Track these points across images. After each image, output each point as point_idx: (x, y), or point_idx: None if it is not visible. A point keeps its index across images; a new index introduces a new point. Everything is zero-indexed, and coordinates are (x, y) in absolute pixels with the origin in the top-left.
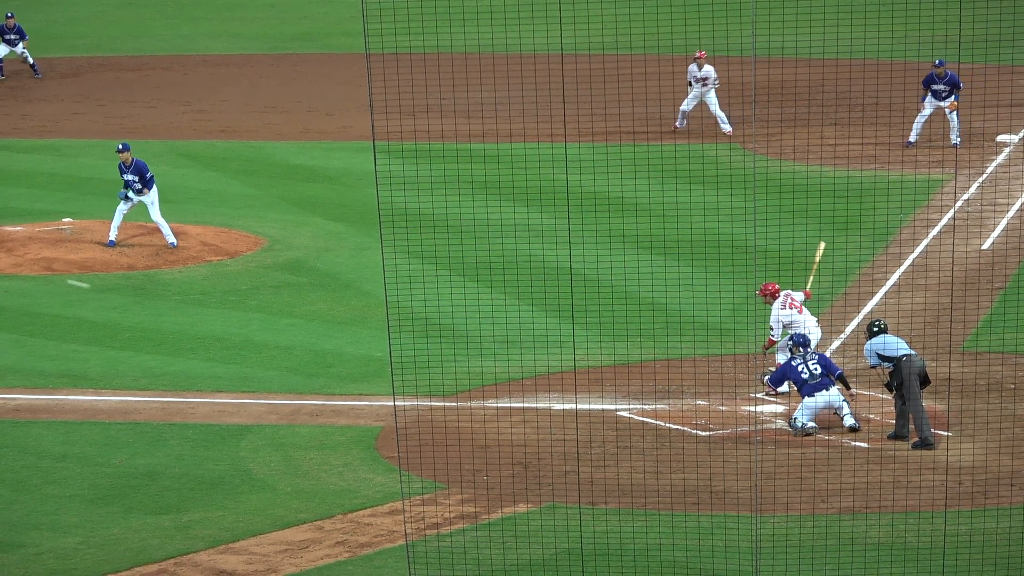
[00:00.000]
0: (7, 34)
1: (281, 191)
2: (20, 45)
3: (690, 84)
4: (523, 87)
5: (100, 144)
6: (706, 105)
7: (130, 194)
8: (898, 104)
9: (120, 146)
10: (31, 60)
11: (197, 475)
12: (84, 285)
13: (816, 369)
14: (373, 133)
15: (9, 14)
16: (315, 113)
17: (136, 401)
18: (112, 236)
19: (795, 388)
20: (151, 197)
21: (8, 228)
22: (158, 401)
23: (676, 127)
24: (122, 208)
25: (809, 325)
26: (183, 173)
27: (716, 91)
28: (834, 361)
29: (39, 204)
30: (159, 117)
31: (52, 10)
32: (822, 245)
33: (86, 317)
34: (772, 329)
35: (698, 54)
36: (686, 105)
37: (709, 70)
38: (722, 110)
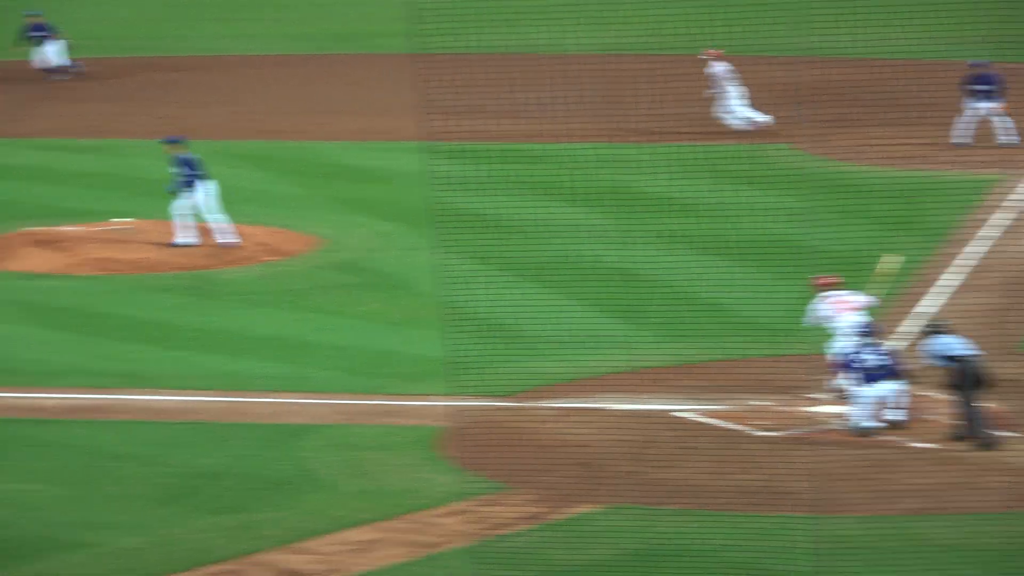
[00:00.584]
0: (35, 32)
1: (333, 192)
2: (52, 43)
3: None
4: (576, 87)
5: (152, 144)
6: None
7: (182, 189)
8: (948, 104)
9: (166, 140)
10: (66, 59)
11: (259, 475)
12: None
13: (878, 360)
14: (424, 134)
15: (33, 12)
16: (366, 114)
17: (196, 401)
18: (189, 238)
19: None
20: (205, 194)
21: (63, 228)
22: (218, 401)
23: (748, 127)
24: (181, 204)
25: (846, 328)
26: (236, 174)
27: (734, 87)
28: (896, 359)
29: (94, 204)
30: (210, 118)
31: (101, 9)
32: (893, 258)
33: (144, 317)
34: (807, 317)
35: (709, 52)
36: (723, 109)
37: (720, 67)
38: (749, 107)
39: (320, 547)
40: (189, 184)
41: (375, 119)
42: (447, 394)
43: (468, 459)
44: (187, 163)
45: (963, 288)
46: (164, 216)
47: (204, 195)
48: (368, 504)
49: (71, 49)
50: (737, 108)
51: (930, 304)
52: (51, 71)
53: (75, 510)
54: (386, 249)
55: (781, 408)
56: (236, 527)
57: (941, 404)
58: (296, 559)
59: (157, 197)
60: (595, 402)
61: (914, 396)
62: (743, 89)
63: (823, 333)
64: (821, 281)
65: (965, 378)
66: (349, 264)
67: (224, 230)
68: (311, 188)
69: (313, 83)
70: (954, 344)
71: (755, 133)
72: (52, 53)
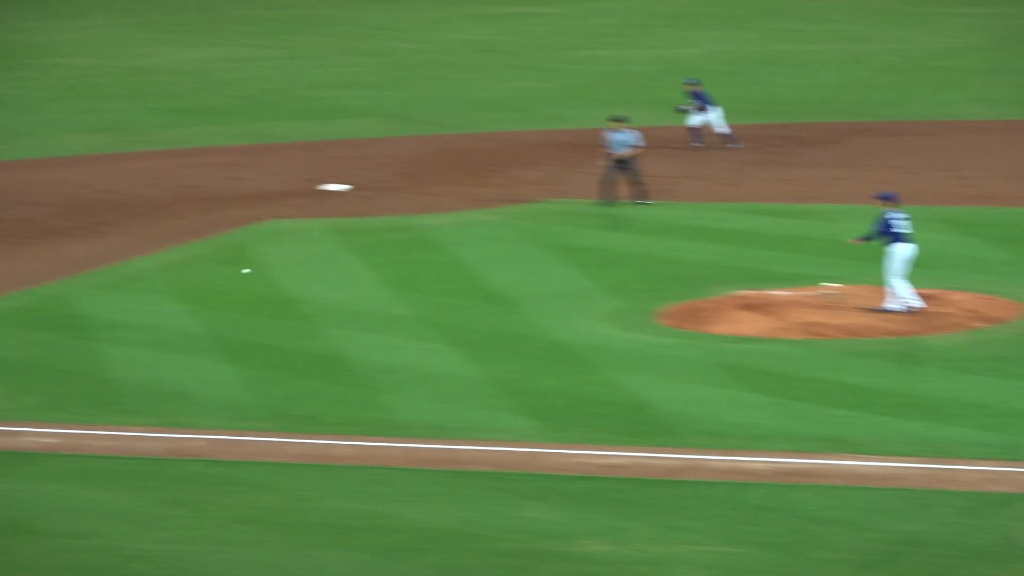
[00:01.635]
0: (697, 100)
1: None
2: (702, 113)
3: None
4: None
5: (861, 209)
6: None
7: (888, 247)
8: None
9: (879, 195)
10: (719, 128)
11: (962, 543)
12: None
13: None
14: None
15: (691, 81)
16: None
17: (900, 467)
18: (897, 304)
19: None
20: (905, 257)
21: (773, 292)
22: (923, 467)
23: None
24: (893, 269)
25: None
26: (945, 239)
27: None
28: None
29: (802, 268)
30: (921, 183)
31: (816, 76)
32: None
33: (850, 382)
34: None
35: None
36: None
37: None
38: None
39: None
40: (893, 242)
41: None
42: None
43: None
44: (889, 223)
45: None
46: (872, 281)
47: (905, 257)
48: None
49: (725, 117)
50: None
51: None
52: (723, 138)
53: (779, 574)
54: None
55: None
56: None
57: None
58: None
59: (867, 262)
60: None
61: None
62: None
63: None
64: None
65: None
66: None
67: (912, 295)
68: (1020, 254)
69: None
70: None
71: None
72: (714, 120)
